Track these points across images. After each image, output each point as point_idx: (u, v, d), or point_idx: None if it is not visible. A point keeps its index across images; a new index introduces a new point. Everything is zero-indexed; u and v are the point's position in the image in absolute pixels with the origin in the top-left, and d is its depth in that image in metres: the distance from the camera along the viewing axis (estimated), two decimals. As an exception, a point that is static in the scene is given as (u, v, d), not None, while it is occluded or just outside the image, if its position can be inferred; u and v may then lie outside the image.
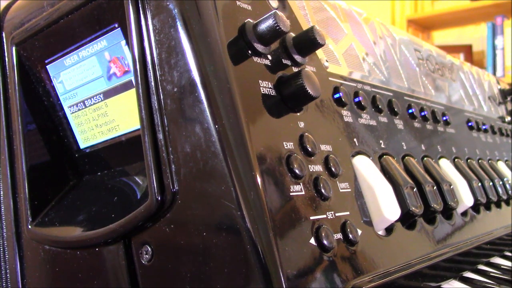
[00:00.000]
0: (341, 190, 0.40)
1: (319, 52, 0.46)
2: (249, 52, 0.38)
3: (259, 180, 0.33)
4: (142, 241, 0.38)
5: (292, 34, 0.42)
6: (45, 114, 0.48)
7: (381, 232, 0.42)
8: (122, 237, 0.39)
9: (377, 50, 0.59)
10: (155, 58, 0.37)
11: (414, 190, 0.47)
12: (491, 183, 0.66)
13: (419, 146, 0.56)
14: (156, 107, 0.36)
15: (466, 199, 0.57)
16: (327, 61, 0.47)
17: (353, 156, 0.44)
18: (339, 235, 0.37)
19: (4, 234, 0.49)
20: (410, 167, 0.51)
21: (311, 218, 0.35)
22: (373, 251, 0.40)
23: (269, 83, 0.38)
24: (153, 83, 0.36)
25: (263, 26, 0.37)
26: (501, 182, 0.70)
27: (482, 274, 0.54)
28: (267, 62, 0.39)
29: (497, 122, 0.88)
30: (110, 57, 0.43)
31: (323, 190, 0.37)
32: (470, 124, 0.74)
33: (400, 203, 0.44)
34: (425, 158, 0.56)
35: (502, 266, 0.58)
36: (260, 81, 0.37)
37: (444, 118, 0.66)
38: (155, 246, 0.37)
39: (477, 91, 0.87)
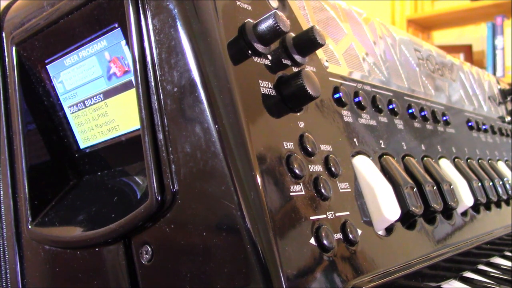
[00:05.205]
0: (341, 190, 0.40)
1: (319, 52, 0.46)
2: (249, 52, 0.38)
3: (259, 180, 0.33)
4: (142, 241, 0.38)
5: (292, 34, 0.42)
6: (45, 114, 0.48)
7: (381, 232, 0.42)
8: (122, 237, 0.39)
9: (377, 50, 0.59)
10: (155, 58, 0.37)
11: (414, 190, 0.47)
12: (491, 183, 0.66)
13: (419, 146, 0.56)
14: (156, 107, 0.36)
15: (466, 199, 0.57)
16: (327, 61, 0.47)
17: (353, 156, 0.44)
18: (339, 235, 0.37)
19: (4, 234, 0.49)
20: (410, 167, 0.51)
21: (311, 218, 0.35)
22: (373, 251, 0.40)
23: (269, 83, 0.38)
24: (153, 83, 0.36)
25: (263, 26, 0.37)
26: (501, 182, 0.70)
27: (482, 274, 0.54)
28: (267, 62, 0.39)
29: (497, 122, 0.88)
30: (110, 57, 0.43)
31: (323, 190, 0.37)
32: (470, 124, 0.74)
33: (400, 203, 0.44)
34: (425, 158, 0.56)
35: (502, 266, 0.58)
36: (260, 81, 0.37)
37: (444, 118, 0.66)
38: (155, 246, 0.37)
39: (477, 91, 0.87)
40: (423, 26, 2.81)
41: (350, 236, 0.37)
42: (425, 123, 0.60)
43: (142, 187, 0.42)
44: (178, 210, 0.35)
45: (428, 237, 0.48)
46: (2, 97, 0.49)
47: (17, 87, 0.47)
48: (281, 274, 0.32)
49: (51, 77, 0.48)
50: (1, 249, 0.49)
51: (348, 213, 0.39)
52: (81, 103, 0.46)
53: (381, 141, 0.49)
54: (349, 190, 0.41)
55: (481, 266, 0.57)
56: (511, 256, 0.64)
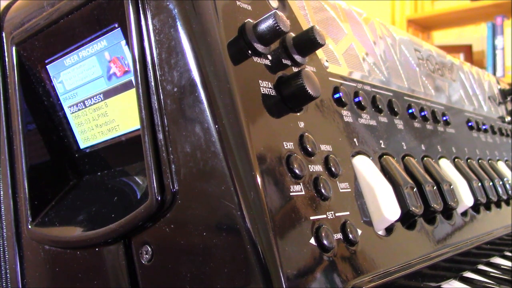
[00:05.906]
0: (341, 190, 0.40)
1: (319, 52, 0.46)
2: (249, 52, 0.38)
3: (259, 180, 0.33)
4: (142, 241, 0.38)
5: (292, 34, 0.42)
6: (45, 114, 0.48)
7: (381, 232, 0.42)
8: (122, 237, 0.39)
9: (377, 50, 0.59)
10: (155, 58, 0.37)
11: (414, 190, 0.47)
12: (491, 183, 0.66)
13: (419, 146, 0.56)
14: (156, 107, 0.36)
15: (466, 199, 0.57)
16: (327, 61, 0.47)
17: (353, 156, 0.44)
18: (339, 235, 0.37)
19: (4, 234, 0.49)
20: (410, 167, 0.51)
21: (311, 218, 0.35)
22: (373, 251, 0.40)
23: (269, 83, 0.38)
24: (153, 83, 0.36)
25: (263, 26, 0.37)
26: (501, 182, 0.70)
27: (482, 274, 0.54)
28: (267, 62, 0.39)
29: (497, 122, 0.88)
30: (110, 57, 0.43)
31: (323, 190, 0.37)
32: (470, 124, 0.74)
33: (400, 203, 0.44)
34: (425, 158, 0.56)
35: (502, 266, 0.58)
36: (260, 81, 0.37)
37: (444, 118, 0.66)
38: (155, 246, 0.37)
39: (477, 91, 0.87)
40: (423, 26, 2.81)
41: (350, 236, 0.37)
42: (425, 123, 0.60)
43: (142, 187, 0.42)
44: (178, 210, 0.35)
45: (428, 237, 0.48)
46: (2, 97, 0.49)
47: (17, 87, 0.47)
48: (281, 274, 0.32)
49: (51, 77, 0.48)
50: (1, 249, 0.49)
51: (348, 213, 0.39)
52: (81, 103, 0.46)
53: (381, 141, 0.49)
54: (349, 190, 0.41)
55: (481, 266, 0.57)
56: (511, 256, 0.64)
